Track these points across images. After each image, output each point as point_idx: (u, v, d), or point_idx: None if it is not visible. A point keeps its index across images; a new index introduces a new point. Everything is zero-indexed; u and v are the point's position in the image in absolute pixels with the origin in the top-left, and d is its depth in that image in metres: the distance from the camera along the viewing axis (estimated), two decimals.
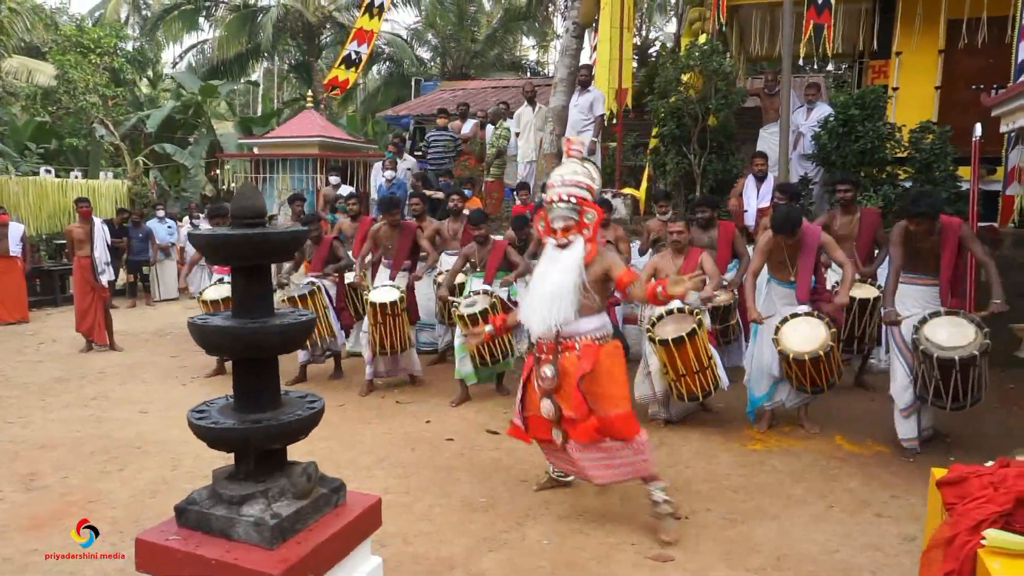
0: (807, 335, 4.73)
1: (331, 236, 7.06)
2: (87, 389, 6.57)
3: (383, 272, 6.85)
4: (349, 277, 7.03)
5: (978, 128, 5.97)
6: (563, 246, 3.56)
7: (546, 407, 3.57)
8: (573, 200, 3.55)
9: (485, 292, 5.94)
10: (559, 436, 3.62)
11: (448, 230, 7.21)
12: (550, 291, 3.48)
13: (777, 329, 4.83)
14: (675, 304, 5.01)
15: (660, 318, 5.11)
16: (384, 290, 6.31)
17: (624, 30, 8.56)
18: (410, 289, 6.63)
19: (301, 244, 2.51)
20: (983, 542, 1.85)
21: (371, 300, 6.18)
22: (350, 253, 7.54)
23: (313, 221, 6.96)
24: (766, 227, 5.79)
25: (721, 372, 5.16)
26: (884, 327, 6.21)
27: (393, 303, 6.09)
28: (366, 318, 6.45)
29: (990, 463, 2.16)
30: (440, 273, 7.04)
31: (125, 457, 4.74)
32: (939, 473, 2.27)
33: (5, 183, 12.29)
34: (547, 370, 3.55)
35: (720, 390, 5.20)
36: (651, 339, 5.04)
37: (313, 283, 6.60)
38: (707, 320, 5.37)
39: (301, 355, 6.77)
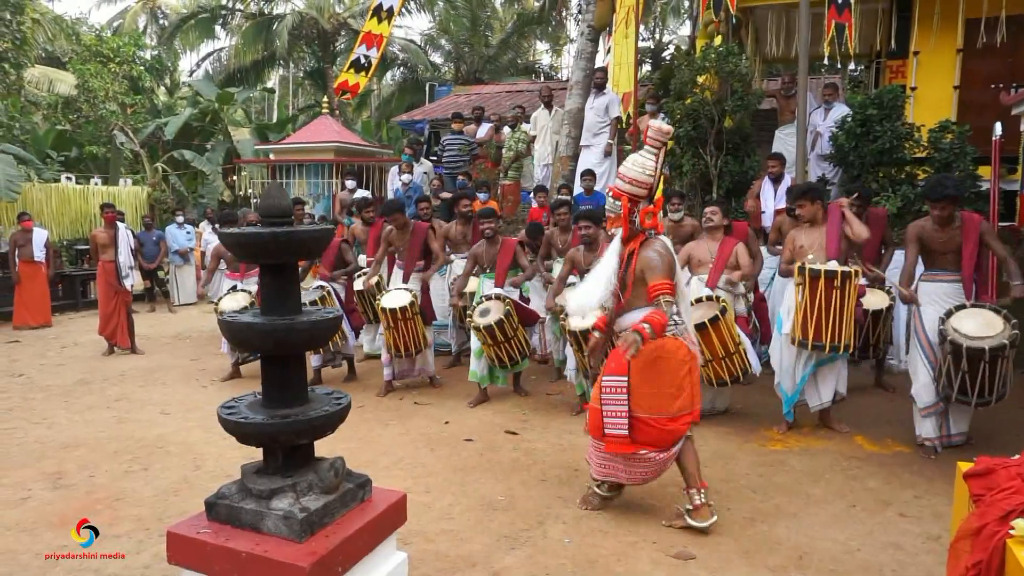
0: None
1: (339, 239, 7.07)
2: (109, 391, 6.66)
3: (397, 274, 6.84)
4: (359, 284, 7.01)
5: (998, 127, 5.92)
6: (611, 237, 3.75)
7: None
8: (610, 194, 3.70)
9: (497, 297, 5.94)
10: None
11: (456, 233, 7.26)
12: (591, 279, 3.67)
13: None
14: (704, 292, 5.31)
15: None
16: (396, 295, 6.29)
17: (634, 30, 8.54)
18: (424, 290, 6.63)
19: (327, 243, 2.54)
20: (1012, 532, 1.85)
21: (383, 306, 6.16)
22: (361, 257, 7.60)
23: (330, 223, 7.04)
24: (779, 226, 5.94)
25: (752, 358, 5.25)
26: (897, 331, 6.23)
27: (403, 308, 6.07)
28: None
29: (1016, 456, 2.16)
30: (455, 279, 7.06)
31: (148, 457, 4.81)
32: (965, 466, 2.27)
33: (29, 190, 12.47)
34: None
35: (752, 377, 5.34)
36: None
37: (323, 287, 6.66)
38: (741, 307, 5.51)
39: (314, 360, 6.79)
